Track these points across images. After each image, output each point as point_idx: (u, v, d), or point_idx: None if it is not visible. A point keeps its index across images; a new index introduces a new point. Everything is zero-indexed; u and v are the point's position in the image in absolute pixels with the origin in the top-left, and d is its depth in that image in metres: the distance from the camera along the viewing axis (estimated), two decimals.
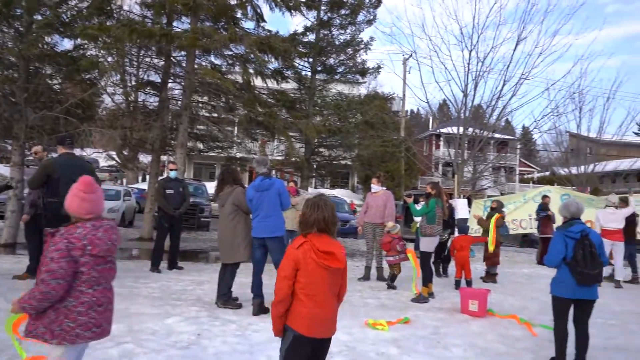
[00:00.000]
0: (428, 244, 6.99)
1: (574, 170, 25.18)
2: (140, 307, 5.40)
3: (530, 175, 47.95)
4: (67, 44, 11.43)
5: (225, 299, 5.71)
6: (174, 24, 11.56)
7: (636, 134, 55.62)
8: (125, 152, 13.16)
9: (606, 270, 9.18)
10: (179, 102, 12.18)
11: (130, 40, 9.34)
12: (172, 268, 8.13)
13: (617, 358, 4.62)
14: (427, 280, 6.89)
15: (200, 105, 13.24)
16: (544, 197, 12.09)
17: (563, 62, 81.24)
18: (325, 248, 2.62)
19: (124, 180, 31.27)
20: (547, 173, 42.27)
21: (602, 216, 9.07)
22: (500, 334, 5.24)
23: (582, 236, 4.15)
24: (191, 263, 9.23)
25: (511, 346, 4.85)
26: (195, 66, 11.41)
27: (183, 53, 11.50)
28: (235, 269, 5.82)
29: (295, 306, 2.63)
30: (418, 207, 7.31)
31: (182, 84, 11.94)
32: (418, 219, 7.44)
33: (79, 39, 10.29)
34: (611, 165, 30.46)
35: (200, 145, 14.96)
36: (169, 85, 12.51)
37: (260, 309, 5.45)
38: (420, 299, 6.71)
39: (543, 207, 11.67)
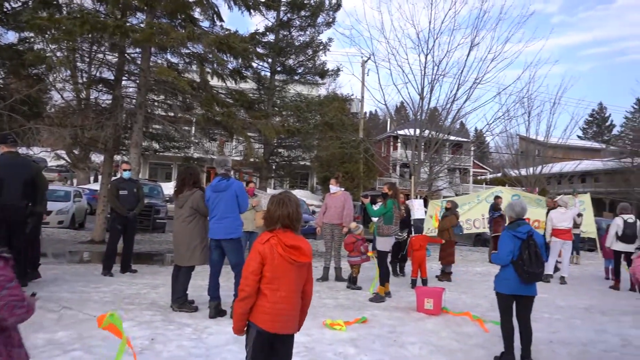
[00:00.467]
0: (384, 244, 7.10)
1: (523, 172, 26.28)
2: (91, 312, 5.18)
3: (483, 177, 49.68)
4: (11, 37, 10.88)
5: (181, 302, 5.58)
6: (129, 20, 11.21)
7: (580, 137, 58.76)
8: (76, 152, 12.66)
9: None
10: (134, 100, 11.82)
11: (82, 32, 8.92)
12: (125, 271, 7.88)
13: (561, 351, 4.86)
14: (384, 280, 7.00)
15: (155, 103, 12.89)
16: (497, 197, 12.53)
17: (513, 69, 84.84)
18: (292, 242, 2.64)
19: (75, 181, 30.08)
20: (499, 174, 43.88)
21: (555, 216, 9.50)
22: (454, 331, 5.40)
23: (528, 236, 4.35)
24: (146, 266, 8.96)
25: (464, 343, 5.00)
26: (151, 64, 11.12)
27: (138, 50, 11.16)
28: (190, 271, 5.70)
29: (259, 301, 2.64)
30: (375, 207, 7.43)
31: (137, 81, 11.59)
32: (376, 219, 7.55)
33: (24, 32, 9.79)
34: (557, 167, 31.98)
35: (156, 145, 14.58)
36: (123, 82, 12.12)
37: (217, 312, 5.37)
38: (377, 298, 6.81)
39: (495, 207, 12.10)
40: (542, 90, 24.90)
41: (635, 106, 57.70)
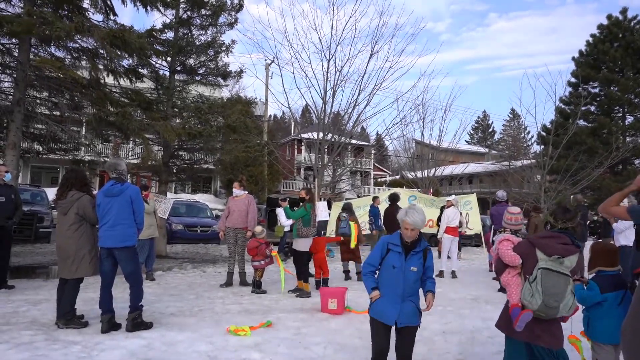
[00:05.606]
0: (304, 244, 7.47)
1: (419, 174, 28.01)
2: None
3: (383, 179, 52.11)
4: None
5: (68, 317, 5.09)
6: (3, 5, 10.03)
7: (467, 142, 64.18)
8: None
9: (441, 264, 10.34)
10: (10, 97, 10.58)
11: None
12: (0, 287, 7.02)
13: (452, 340, 5.22)
14: (305, 278, 7.44)
15: (38, 101, 11.67)
16: (374, 198, 13.40)
17: (409, 78, 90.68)
18: None
19: None
20: (398, 177, 46.30)
21: (450, 214, 10.22)
22: (357, 328, 5.55)
23: None
24: (26, 280, 8.08)
25: (366, 340, 5.14)
26: (31, 56, 10.04)
27: (15, 40, 10.02)
28: (78, 283, 5.23)
29: None
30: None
31: (14, 75, 10.40)
32: (288, 222, 7.64)
33: None
34: (448, 170, 34.56)
35: (39, 147, 13.20)
36: None
37: (109, 326, 4.97)
38: (303, 294, 7.23)
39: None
40: (435, 98, 27.05)
41: (511, 115, 64.51)
